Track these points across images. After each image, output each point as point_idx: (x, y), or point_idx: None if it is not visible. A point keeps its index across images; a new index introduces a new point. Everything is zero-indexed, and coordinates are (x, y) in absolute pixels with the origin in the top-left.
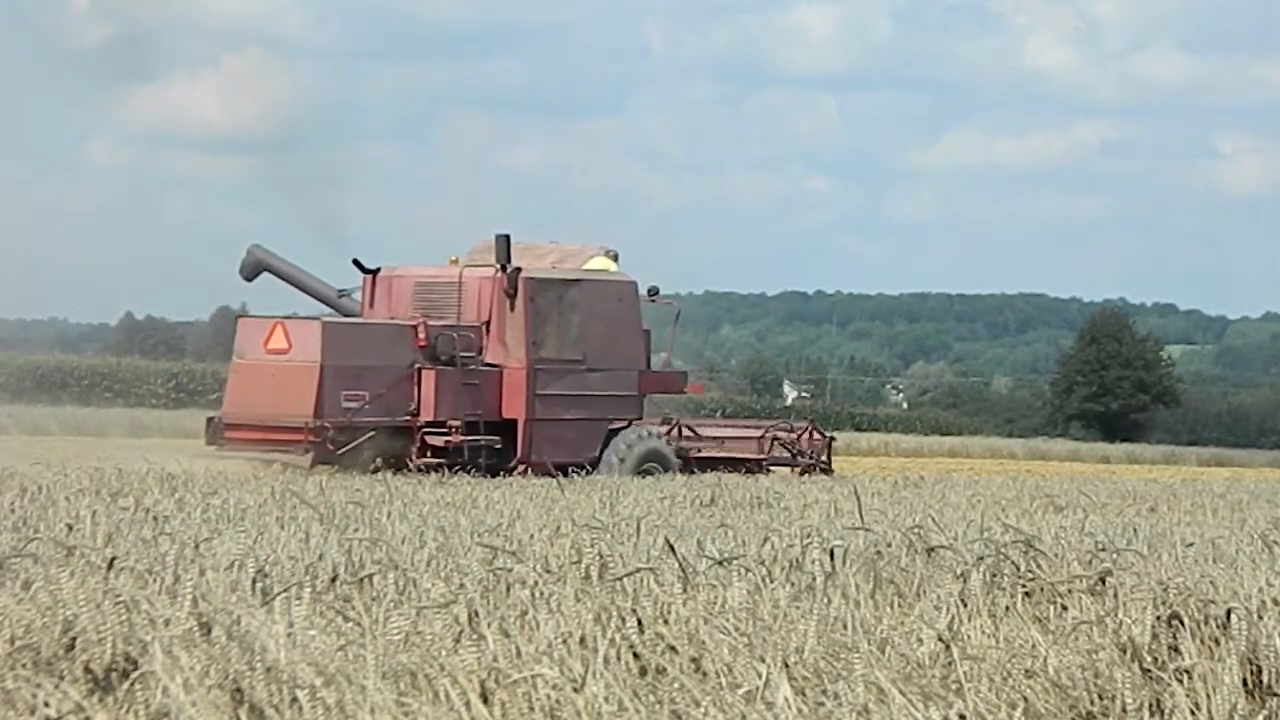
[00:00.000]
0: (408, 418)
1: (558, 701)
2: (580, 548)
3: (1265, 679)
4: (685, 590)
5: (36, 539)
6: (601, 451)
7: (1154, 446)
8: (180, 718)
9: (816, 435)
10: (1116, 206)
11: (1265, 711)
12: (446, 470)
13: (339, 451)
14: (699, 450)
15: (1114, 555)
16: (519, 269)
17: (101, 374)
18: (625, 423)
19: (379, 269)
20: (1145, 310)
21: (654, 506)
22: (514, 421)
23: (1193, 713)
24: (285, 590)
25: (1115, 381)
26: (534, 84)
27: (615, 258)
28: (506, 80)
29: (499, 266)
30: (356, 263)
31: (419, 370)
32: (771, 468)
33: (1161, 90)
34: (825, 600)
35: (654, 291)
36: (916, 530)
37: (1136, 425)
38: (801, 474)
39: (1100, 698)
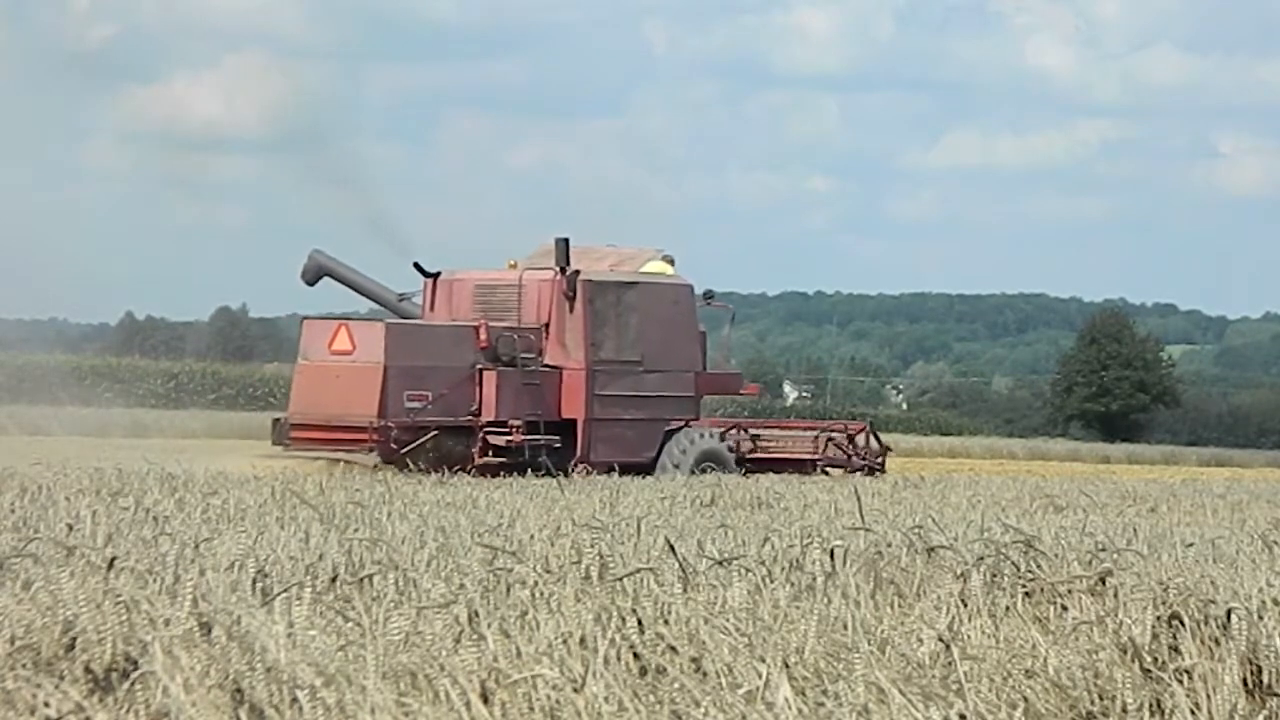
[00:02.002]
0: (469, 418)
1: (558, 701)
2: (580, 548)
3: (1265, 679)
4: (685, 590)
5: (36, 539)
6: (659, 451)
7: (1154, 446)
8: (180, 718)
9: (871, 436)
10: (1116, 207)
11: (1265, 711)
12: (507, 471)
13: (403, 451)
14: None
15: (1114, 555)
16: (578, 272)
17: (101, 374)
18: (682, 423)
19: (439, 272)
20: (1145, 310)
21: (654, 506)
22: (573, 421)
23: (1193, 713)
24: (285, 590)
25: (1115, 382)
26: (534, 84)
27: (672, 261)
28: (507, 80)
29: (558, 269)
30: (417, 266)
31: (480, 371)
32: (827, 468)
33: (1162, 90)
34: (825, 600)
35: (709, 294)
36: (917, 530)
37: (1136, 425)
38: (868, 474)
39: (1100, 698)
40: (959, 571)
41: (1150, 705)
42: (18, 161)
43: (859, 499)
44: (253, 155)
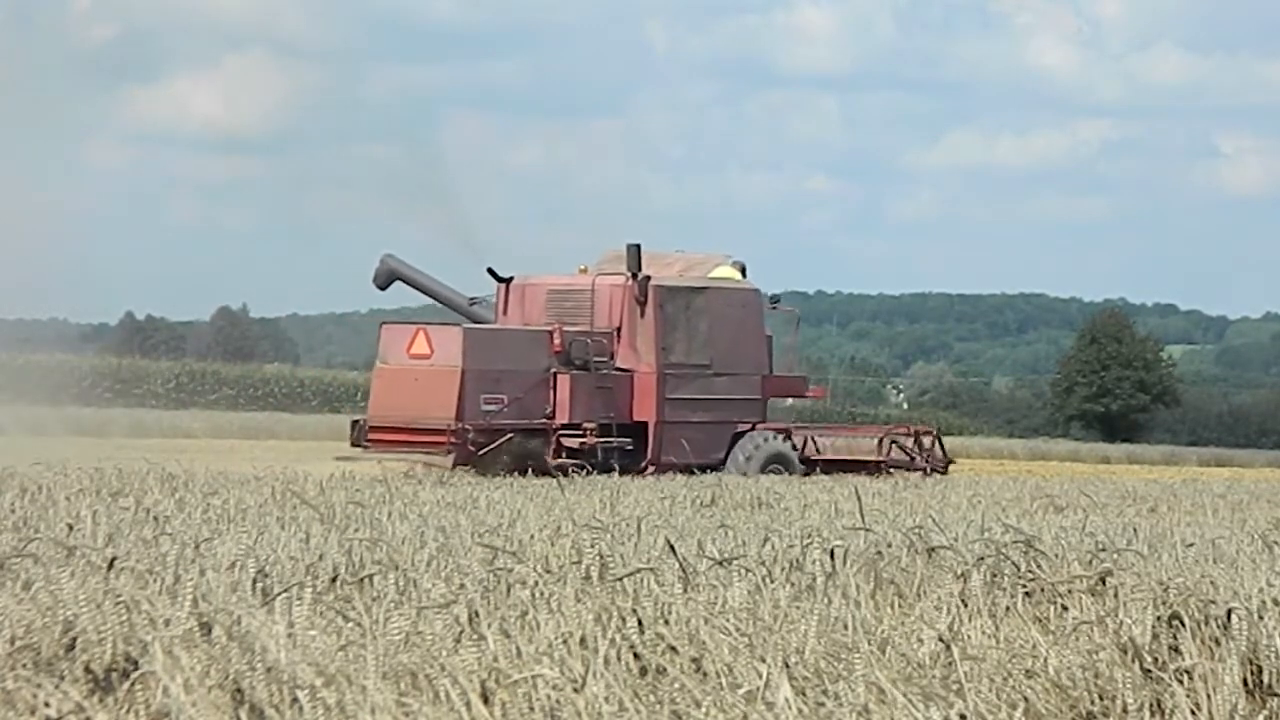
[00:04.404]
0: (544, 420)
1: (558, 701)
2: (580, 548)
3: (1266, 679)
4: (686, 590)
5: (37, 539)
6: (727, 453)
7: (1154, 447)
8: (180, 718)
9: (933, 438)
10: (1117, 207)
11: (1265, 711)
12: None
13: (479, 453)
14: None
15: (1114, 555)
16: (649, 277)
17: (102, 374)
18: (749, 425)
19: (512, 277)
20: (1145, 310)
21: (654, 506)
22: (645, 424)
23: (1193, 713)
24: (285, 590)
25: (1115, 382)
26: (535, 84)
27: (743, 270)
28: (507, 80)
29: (630, 274)
30: (491, 271)
31: (554, 375)
32: (891, 470)
33: (1163, 90)
34: (826, 600)
35: (775, 299)
36: (917, 530)
37: (1137, 425)
38: (927, 475)
39: (1101, 698)
40: (959, 571)
41: (1150, 705)
42: (18, 161)
43: (859, 499)
44: (254, 155)
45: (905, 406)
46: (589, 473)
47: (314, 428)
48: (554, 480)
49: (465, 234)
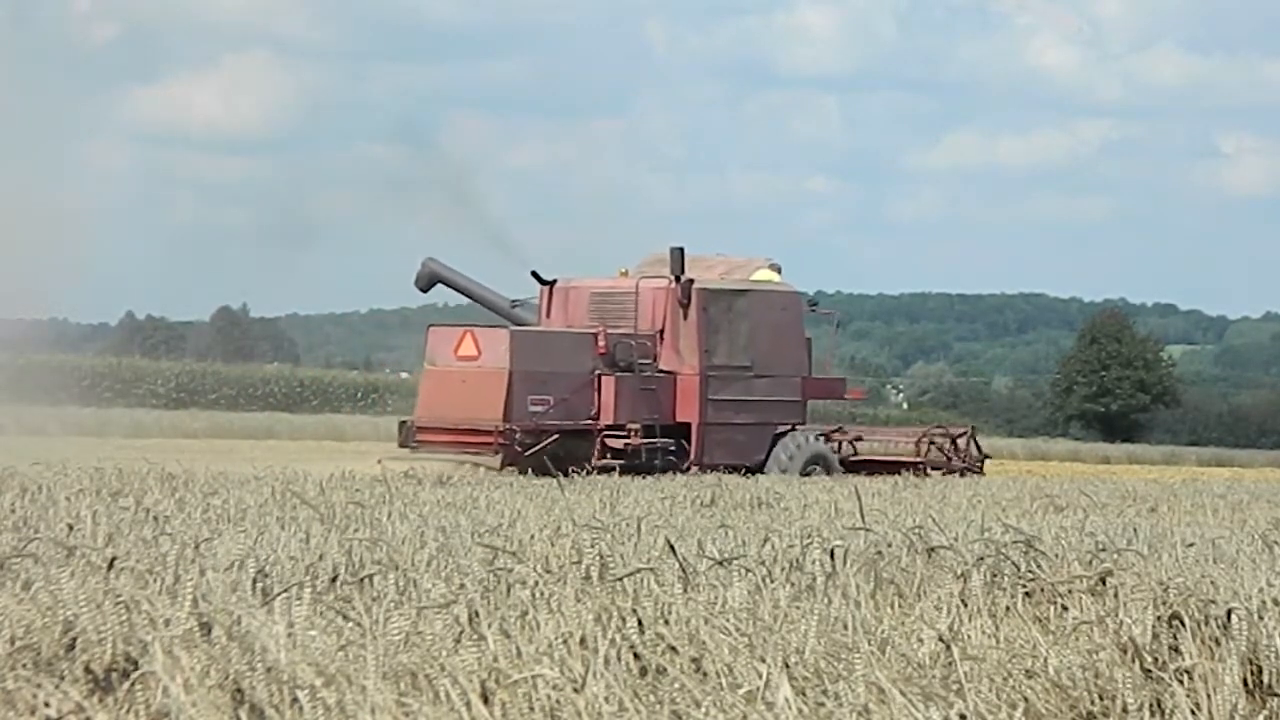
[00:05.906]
0: (589, 421)
1: (558, 702)
2: (580, 548)
3: (1266, 679)
4: (686, 590)
5: (37, 539)
6: (767, 454)
7: (1154, 447)
8: (180, 718)
9: (971, 440)
10: (1117, 207)
11: (1266, 711)
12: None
13: (526, 453)
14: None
15: (1114, 555)
16: (691, 280)
17: (102, 374)
18: (789, 426)
19: (555, 280)
20: (1145, 310)
21: (654, 506)
22: (687, 425)
23: (1193, 713)
24: (285, 590)
25: (1115, 382)
26: (535, 84)
27: (779, 269)
28: (508, 80)
29: (673, 277)
30: (535, 274)
31: (599, 376)
32: (929, 470)
33: (1164, 90)
34: (826, 600)
35: (814, 302)
36: (917, 530)
37: (1137, 425)
38: (961, 475)
39: (1101, 698)
40: (959, 571)
41: (1150, 705)
42: (18, 161)
43: (859, 499)
44: (254, 155)
45: (905, 406)
46: (589, 473)
47: (314, 428)
48: (554, 480)
49: (478, 232)
